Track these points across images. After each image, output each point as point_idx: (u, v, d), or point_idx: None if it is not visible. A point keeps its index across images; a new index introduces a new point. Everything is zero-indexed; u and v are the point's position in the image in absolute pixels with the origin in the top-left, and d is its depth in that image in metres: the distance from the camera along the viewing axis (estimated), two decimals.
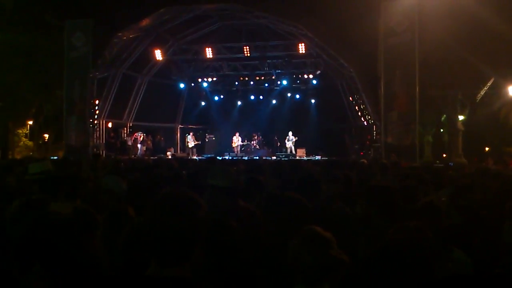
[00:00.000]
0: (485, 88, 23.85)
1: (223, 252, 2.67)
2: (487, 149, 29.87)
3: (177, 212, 1.92)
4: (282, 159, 20.91)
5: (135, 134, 25.72)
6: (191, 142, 27.00)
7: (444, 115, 26.86)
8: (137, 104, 27.13)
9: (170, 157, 23.57)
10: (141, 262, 1.97)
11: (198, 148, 27.22)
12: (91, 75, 22.89)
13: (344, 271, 2.51)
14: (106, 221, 2.71)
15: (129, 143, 25.16)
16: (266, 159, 19.73)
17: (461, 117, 25.30)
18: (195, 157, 22.99)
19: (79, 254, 1.66)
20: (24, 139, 35.06)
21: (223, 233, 2.74)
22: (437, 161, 19.76)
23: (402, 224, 2.60)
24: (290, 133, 26.37)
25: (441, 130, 29.07)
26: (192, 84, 28.48)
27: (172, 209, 1.94)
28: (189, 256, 1.94)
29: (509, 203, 3.88)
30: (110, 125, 25.87)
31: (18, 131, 34.44)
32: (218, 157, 19.73)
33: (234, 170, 5.45)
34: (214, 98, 29.74)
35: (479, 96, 24.57)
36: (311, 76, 26.14)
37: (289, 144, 26.23)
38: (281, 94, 28.79)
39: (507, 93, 22.73)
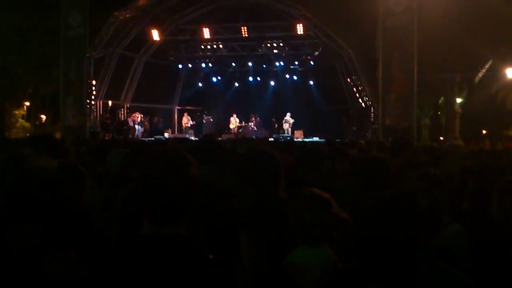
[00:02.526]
0: (483, 71, 23.85)
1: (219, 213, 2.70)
2: (484, 132, 29.97)
3: (166, 168, 1.90)
4: (280, 140, 20.88)
5: (133, 115, 25.65)
6: (186, 122, 27.04)
7: (442, 98, 26.89)
8: (134, 84, 26.99)
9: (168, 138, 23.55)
10: (137, 221, 1.96)
11: (195, 129, 27.18)
12: (87, 55, 22.73)
13: (345, 230, 2.58)
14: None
15: (130, 123, 25.07)
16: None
17: (459, 100, 25.34)
18: (192, 138, 22.94)
19: (67, 207, 1.64)
20: (21, 120, 34.96)
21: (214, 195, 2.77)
22: (434, 144, 19.80)
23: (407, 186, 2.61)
24: (288, 114, 26.30)
25: (439, 112, 29.14)
26: (190, 65, 28.31)
27: (161, 165, 1.92)
28: (181, 213, 1.93)
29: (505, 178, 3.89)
30: (110, 103, 25.65)
31: (15, 112, 34.33)
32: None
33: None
34: (211, 79, 29.59)
35: (477, 79, 24.57)
36: (309, 57, 26.01)
37: (286, 125, 26.21)
38: (278, 76, 28.66)
39: (504, 75, 22.72)
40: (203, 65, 28.04)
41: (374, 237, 1.63)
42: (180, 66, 28.21)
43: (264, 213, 2.79)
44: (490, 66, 23.15)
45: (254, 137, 20.62)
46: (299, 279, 2.50)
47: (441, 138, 26.02)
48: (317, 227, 2.55)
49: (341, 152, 5.56)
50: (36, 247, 1.65)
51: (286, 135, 25.34)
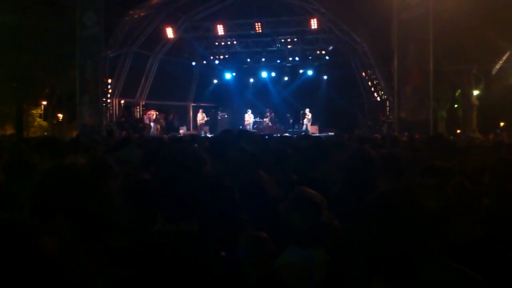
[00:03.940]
0: (501, 62, 23.55)
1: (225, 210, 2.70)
2: (502, 124, 29.60)
3: (182, 166, 1.92)
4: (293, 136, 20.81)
5: (148, 112, 25.78)
6: (201, 119, 27.11)
7: (459, 90, 26.61)
8: (149, 82, 27.13)
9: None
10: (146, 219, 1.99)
11: (211, 126, 27.24)
12: (103, 54, 22.88)
13: (337, 235, 2.54)
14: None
15: (146, 121, 25.18)
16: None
17: (475, 92, 25.05)
18: (208, 135, 23.00)
19: (98, 201, 1.69)
20: (38, 119, 35.43)
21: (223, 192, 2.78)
22: (451, 137, 19.61)
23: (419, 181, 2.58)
24: (307, 110, 26.18)
25: (455, 105, 28.83)
26: (204, 62, 28.39)
27: (177, 163, 1.94)
28: (195, 211, 1.95)
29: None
30: (122, 102, 25.82)
31: (32, 111, 34.79)
32: None
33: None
34: (226, 75, 29.65)
35: (494, 70, 24.27)
36: (323, 52, 25.92)
37: (305, 120, 26.07)
38: (293, 71, 28.58)
39: None
40: (218, 61, 28.09)
41: (373, 232, 1.63)
42: (194, 63, 28.29)
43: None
44: (507, 57, 22.85)
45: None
46: (292, 280, 2.46)
47: (458, 131, 25.75)
48: (306, 232, 2.50)
49: (341, 144, 5.72)
50: (65, 240, 1.69)
51: (302, 130, 25.27)
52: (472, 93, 24.75)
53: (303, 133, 22.48)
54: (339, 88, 27.16)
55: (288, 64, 27.96)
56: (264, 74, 28.96)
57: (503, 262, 2.62)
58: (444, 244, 2.21)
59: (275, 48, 26.35)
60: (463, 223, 2.65)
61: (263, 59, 27.53)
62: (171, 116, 27.99)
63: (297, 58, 26.89)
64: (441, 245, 2.19)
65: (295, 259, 2.50)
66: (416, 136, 12.15)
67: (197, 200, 1.94)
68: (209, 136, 21.71)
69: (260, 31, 24.50)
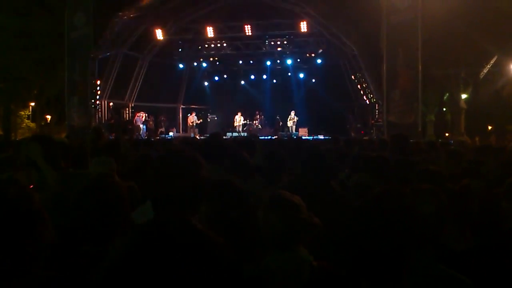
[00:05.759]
0: (488, 66, 23.72)
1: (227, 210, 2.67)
2: (490, 127, 29.85)
3: (178, 170, 1.91)
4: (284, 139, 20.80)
5: (137, 114, 25.66)
6: (192, 121, 27.03)
7: (447, 94, 26.78)
8: (138, 84, 27.01)
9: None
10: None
11: (200, 128, 27.17)
12: (92, 55, 22.76)
13: (318, 233, 2.53)
14: None
15: (138, 123, 25.02)
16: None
17: (464, 96, 25.22)
18: (197, 137, 22.92)
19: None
20: (26, 120, 35.16)
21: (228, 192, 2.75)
22: (439, 140, 19.71)
23: (415, 186, 2.57)
24: (293, 112, 26.29)
25: (444, 109, 29.01)
26: (194, 64, 28.36)
27: (173, 167, 1.93)
28: (192, 213, 1.94)
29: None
30: (111, 104, 25.68)
31: (20, 112, 34.52)
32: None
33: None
34: (216, 77, 29.63)
35: (482, 74, 24.45)
36: (313, 55, 26.00)
37: (290, 123, 26.19)
38: (283, 73, 28.63)
39: (510, 70, 22.61)
40: (208, 64, 28.07)
41: (362, 235, 1.63)
42: (184, 65, 28.23)
43: None
44: (495, 61, 23.03)
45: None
46: (275, 285, 2.44)
47: (447, 134, 25.92)
48: (286, 233, 2.48)
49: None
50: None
51: (290, 132, 25.31)
52: (461, 97, 24.92)
53: (294, 136, 22.55)
54: (328, 90, 27.24)
55: (277, 67, 28.00)
56: (253, 76, 29.00)
57: (494, 272, 2.63)
58: (433, 247, 2.22)
59: (265, 51, 26.37)
60: (455, 231, 2.66)
61: (253, 62, 27.54)
62: (161, 118, 27.90)
63: (287, 61, 26.94)
64: (431, 248, 2.19)
65: (277, 264, 2.47)
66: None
67: (192, 201, 1.94)
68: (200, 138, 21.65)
69: (250, 33, 24.49)
